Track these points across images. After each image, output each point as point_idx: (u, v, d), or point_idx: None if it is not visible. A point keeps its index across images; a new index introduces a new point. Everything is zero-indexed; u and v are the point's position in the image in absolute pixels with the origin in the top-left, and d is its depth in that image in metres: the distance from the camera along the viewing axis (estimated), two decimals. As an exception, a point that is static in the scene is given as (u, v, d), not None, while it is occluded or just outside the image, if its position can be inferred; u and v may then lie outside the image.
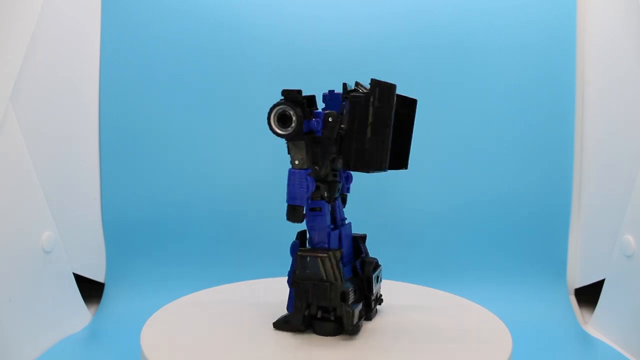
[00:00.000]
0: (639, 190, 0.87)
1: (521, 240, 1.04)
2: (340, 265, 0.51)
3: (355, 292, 0.53)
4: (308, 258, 0.51)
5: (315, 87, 0.55)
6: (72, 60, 0.98)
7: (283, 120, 0.50)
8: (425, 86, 1.06)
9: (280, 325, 0.54)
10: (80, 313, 0.94)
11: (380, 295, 0.59)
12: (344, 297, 0.50)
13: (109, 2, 1.04)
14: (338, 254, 0.51)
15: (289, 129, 0.50)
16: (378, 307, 0.59)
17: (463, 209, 1.06)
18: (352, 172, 0.57)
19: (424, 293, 0.68)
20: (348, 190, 0.58)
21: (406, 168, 0.56)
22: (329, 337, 0.52)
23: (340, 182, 0.56)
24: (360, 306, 0.53)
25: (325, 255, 0.51)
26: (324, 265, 0.51)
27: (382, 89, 0.50)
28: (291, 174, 0.51)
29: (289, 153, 0.52)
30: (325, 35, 1.06)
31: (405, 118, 0.55)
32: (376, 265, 0.57)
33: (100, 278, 1.02)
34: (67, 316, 0.90)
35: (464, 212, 1.06)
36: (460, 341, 0.52)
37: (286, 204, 0.51)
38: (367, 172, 0.52)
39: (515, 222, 1.04)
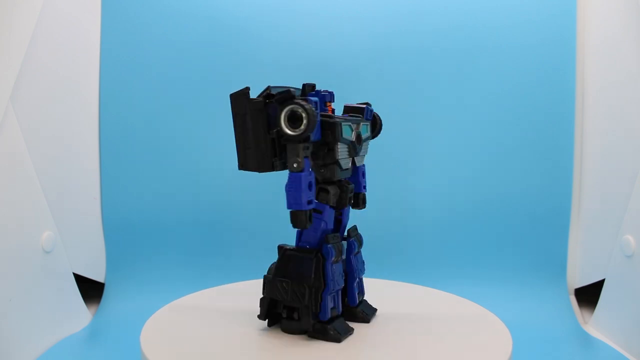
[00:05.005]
0: (639, 190, 0.87)
1: (521, 240, 1.04)
2: (328, 267, 0.50)
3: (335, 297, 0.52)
4: (292, 256, 0.51)
5: (317, 87, 0.55)
6: (72, 60, 0.98)
7: (293, 120, 0.47)
8: (425, 86, 1.06)
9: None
10: (80, 313, 0.94)
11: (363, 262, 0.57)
12: (316, 298, 0.50)
13: (109, 2, 1.04)
14: (320, 256, 0.50)
15: (298, 130, 0.47)
16: (378, 307, 0.59)
17: (463, 209, 1.05)
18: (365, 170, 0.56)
19: (424, 293, 0.68)
20: (364, 188, 0.56)
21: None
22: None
23: (351, 185, 0.54)
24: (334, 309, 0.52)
25: (311, 255, 0.50)
26: (307, 265, 0.50)
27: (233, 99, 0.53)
28: (289, 178, 0.48)
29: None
30: (326, 36, 1.06)
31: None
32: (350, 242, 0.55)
33: (100, 278, 1.02)
34: (67, 316, 0.90)
35: (464, 212, 1.05)
36: (460, 341, 0.52)
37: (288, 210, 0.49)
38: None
39: (515, 222, 1.04)
